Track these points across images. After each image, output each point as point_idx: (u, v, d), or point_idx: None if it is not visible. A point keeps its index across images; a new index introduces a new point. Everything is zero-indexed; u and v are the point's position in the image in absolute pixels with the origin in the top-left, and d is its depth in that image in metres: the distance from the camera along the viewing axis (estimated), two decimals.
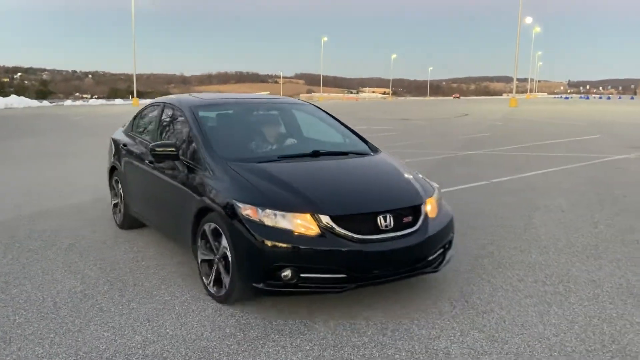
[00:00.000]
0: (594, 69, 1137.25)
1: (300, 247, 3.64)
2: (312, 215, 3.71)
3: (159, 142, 4.95)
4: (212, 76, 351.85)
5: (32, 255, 5.24)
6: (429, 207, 4.14)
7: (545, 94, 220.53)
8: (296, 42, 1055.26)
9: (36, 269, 4.88)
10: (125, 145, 6.07)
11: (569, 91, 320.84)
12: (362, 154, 4.93)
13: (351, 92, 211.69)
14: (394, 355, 3.31)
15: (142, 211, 5.65)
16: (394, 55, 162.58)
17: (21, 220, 6.62)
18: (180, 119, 5.11)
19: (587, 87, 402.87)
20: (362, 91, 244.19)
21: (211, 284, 4.16)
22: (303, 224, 3.69)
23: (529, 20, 73.41)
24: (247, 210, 3.78)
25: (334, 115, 5.85)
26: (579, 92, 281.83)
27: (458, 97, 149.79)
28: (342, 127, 5.59)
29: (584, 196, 7.99)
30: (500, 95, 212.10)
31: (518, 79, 62.55)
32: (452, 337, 3.54)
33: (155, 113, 5.79)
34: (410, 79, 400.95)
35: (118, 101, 77.15)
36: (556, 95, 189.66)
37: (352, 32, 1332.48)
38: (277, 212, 3.72)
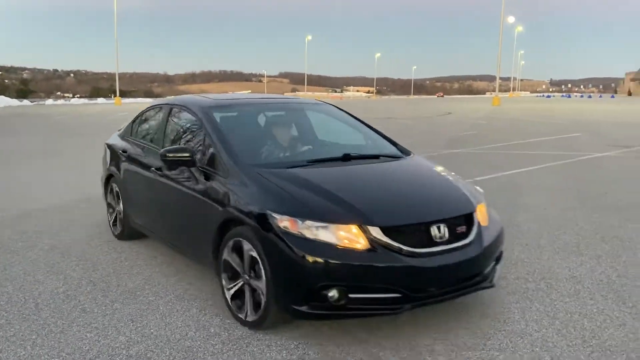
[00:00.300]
0: (575, 68, 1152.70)
1: (349, 263, 3.22)
2: (360, 227, 3.31)
3: (171, 147, 4.45)
4: (195, 75, 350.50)
5: (13, 257, 5.18)
6: (480, 215, 3.80)
7: (528, 92, 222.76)
8: (280, 41, 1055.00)
9: (18, 270, 4.82)
10: (124, 151, 5.57)
11: (551, 90, 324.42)
12: (395, 157, 4.57)
13: (335, 91, 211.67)
14: (378, 353, 3.33)
15: (146, 223, 5.20)
16: (378, 54, 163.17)
17: (3, 221, 6.53)
18: (192, 121, 4.67)
19: (569, 85, 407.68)
20: (347, 90, 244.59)
21: (239, 307, 3.74)
22: (348, 237, 3.29)
23: (511, 19, 74.10)
24: (284, 222, 3.36)
25: (354, 115, 5.56)
26: (560, 91, 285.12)
27: (442, 96, 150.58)
28: (366, 128, 5.23)
29: (565, 194, 8.09)
30: (484, 94, 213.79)
31: (501, 78, 63.10)
32: (435, 334, 3.57)
33: (159, 116, 5.31)
34: (395, 78, 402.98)
35: (100, 100, 76.43)
36: (538, 94, 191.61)
37: (336, 31, 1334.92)
38: (319, 224, 3.31)
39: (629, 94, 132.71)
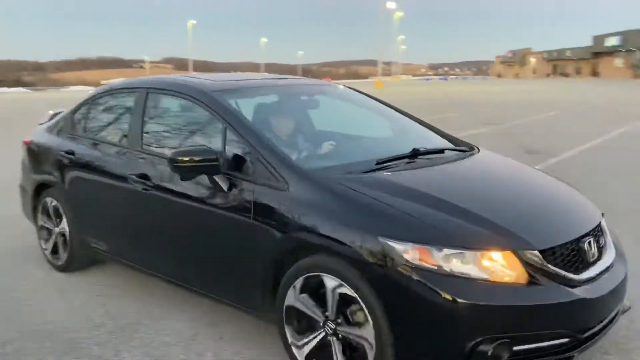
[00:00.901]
0: (452, 52, 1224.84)
1: (514, 304, 2.38)
2: (514, 253, 2.44)
3: (186, 148, 3.18)
4: (71, 62, 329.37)
5: None
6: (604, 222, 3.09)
7: (410, 76, 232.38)
8: (163, 26, 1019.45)
9: None
10: (70, 152, 4.15)
11: (429, 73, 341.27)
12: (462, 152, 3.63)
13: None
14: None
15: (121, 250, 3.90)
16: (264, 39, 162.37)
17: None
18: (190, 110, 3.57)
19: (446, 68, 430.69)
20: None
21: None
22: (493, 267, 2.41)
23: (391, 5, 76.92)
24: (411, 253, 2.41)
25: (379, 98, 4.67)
26: (438, 74, 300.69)
27: (329, 81, 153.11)
28: (398, 114, 4.34)
29: None
30: (367, 78, 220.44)
31: (383, 62, 65.46)
32: None
33: (127, 104, 3.98)
34: (282, 63, 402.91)
35: None
36: (419, 77, 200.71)
37: (220, 15, 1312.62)
38: (455, 251, 2.40)
39: (499, 76, 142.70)
